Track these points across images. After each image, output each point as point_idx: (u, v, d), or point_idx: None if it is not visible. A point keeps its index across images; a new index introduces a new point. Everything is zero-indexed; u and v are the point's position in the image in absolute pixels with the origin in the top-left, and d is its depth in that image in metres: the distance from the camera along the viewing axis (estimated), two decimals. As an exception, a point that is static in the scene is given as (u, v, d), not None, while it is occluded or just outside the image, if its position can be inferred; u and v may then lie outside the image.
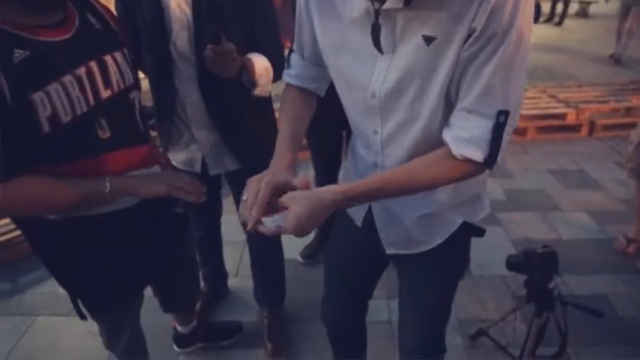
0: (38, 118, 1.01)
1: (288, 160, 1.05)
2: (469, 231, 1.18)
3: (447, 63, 0.86)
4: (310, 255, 2.63)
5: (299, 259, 2.61)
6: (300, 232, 0.92)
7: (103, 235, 1.22)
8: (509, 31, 0.80)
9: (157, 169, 1.30)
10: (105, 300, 1.34)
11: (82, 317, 1.37)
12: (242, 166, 1.68)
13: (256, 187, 0.94)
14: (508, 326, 2.08)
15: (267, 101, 1.69)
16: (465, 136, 0.88)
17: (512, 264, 1.74)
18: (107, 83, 1.14)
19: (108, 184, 1.10)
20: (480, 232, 1.20)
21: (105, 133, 1.14)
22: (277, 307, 2.17)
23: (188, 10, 1.43)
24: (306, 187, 0.94)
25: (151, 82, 1.59)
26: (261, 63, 1.47)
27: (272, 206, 0.93)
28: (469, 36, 0.82)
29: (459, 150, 0.89)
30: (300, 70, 1.17)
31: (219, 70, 1.35)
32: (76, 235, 1.19)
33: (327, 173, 2.45)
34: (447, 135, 0.91)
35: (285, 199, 0.92)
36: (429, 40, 0.86)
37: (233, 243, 2.63)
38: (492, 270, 2.50)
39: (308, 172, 3.27)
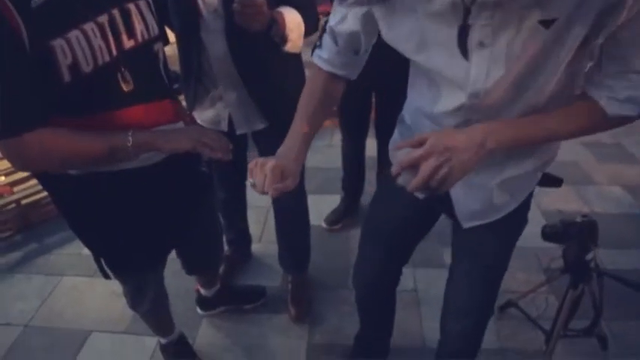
0: (59, 66, 0.97)
1: (301, 155, 1.03)
2: (547, 182, 1.13)
3: (575, 41, 0.78)
4: (335, 221, 2.58)
5: (323, 225, 2.56)
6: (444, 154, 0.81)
7: (126, 192, 1.18)
8: None
9: (181, 125, 1.25)
10: (128, 260, 1.31)
11: (106, 277, 1.35)
12: (269, 125, 1.62)
13: (262, 172, 0.93)
14: (539, 298, 2.02)
15: (296, 57, 1.61)
16: (621, 97, 0.84)
17: (548, 234, 1.66)
18: (130, 33, 1.09)
19: (130, 138, 1.05)
20: (558, 182, 1.14)
21: (128, 86, 1.09)
22: (302, 272, 2.14)
23: None
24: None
25: (177, 37, 1.53)
26: (292, 17, 1.40)
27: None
28: (605, 12, 0.73)
29: (614, 111, 0.86)
30: (332, 56, 1.08)
31: (247, 23, 1.28)
32: (99, 192, 1.16)
33: (355, 138, 2.39)
34: (598, 95, 0.87)
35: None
36: (547, 23, 0.76)
37: (257, 207, 2.60)
38: (522, 242, 2.39)
39: (332, 139, 3.21)
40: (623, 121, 0.89)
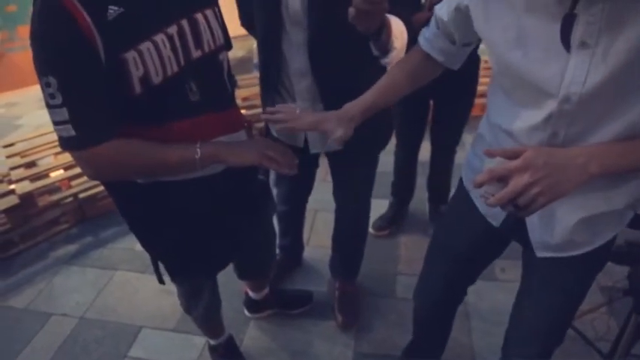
0: (131, 78, 0.98)
1: (352, 112, 1.09)
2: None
3: None
4: (383, 227, 2.55)
5: (371, 230, 2.51)
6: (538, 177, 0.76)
7: (188, 200, 1.20)
8: None
9: (242, 133, 1.26)
10: (187, 266, 1.33)
11: (161, 281, 1.37)
12: (343, 149, 1.58)
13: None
14: (597, 320, 1.93)
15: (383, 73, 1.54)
16: None
17: (612, 254, 1.58)
18: (198, 43, 1.09)
19: (199, 150, 1.06)
20: (635, 262, 1.08)
21: (194, 96, 1.09)
22: (351, 279, 2.13)
23: None
24: None
25: (259, 48, 1.52)
26: (397, 24, 1.26)
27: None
28: None
29: None
30: (432, 37, 1.10)
31: (362, 22, 1.11)
32: (162, 200, 1.18)
33: (409, 145, 2.36)
34: None
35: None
36: None
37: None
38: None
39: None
40: None
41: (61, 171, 2.87)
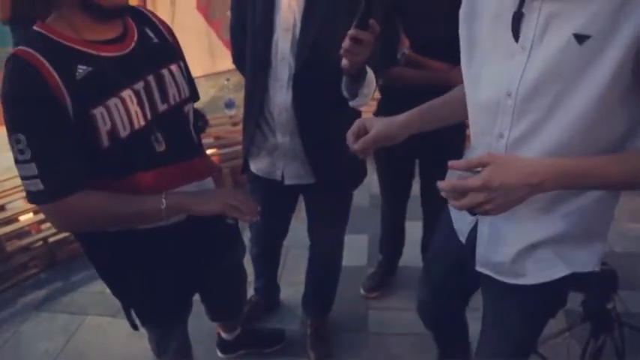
0: (99, 133, 1.03)
1: (410, 120, 1.17)
2: (574, 284, 1.10)
3: (607, 66, 0.81)
4: (374, 288, 2.43)
5: (361, 292, 2.43)
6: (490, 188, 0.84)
7: (155, 247, 1.23)
8: None
9: (210, 181, 1.31)
10: (158, 311, 1.35)
11: (135, 327, 1.38)
12: (316, 182, 1.63)
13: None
14: (561, 345, 1.99)
15: (355, 116, 1.60)
16: None
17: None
18: (164, 97, 1.16)
19: (164, 200, 1.10)
20: (588, 289, 1.20)
21: (160, 147, 1.15)
22: (323, 315, 2.15)
23: (298, 14, 1.43)
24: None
25: (246, 82, 1.61)
26: (370, 74, 1.39)
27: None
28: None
29: None
30: None
31: (352, 55, 1.19)
32: (129, 247, 1.21)
33: (395, 205, 2.31)
34: None
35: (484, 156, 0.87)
36: (581, 38, 0.81)
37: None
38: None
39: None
40: None
41: (31, 214, 2.84)
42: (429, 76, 1.74)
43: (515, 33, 0.90)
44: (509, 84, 0.92)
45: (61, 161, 1.02)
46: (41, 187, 1.00)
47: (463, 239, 1.20)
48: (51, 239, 2.77)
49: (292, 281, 2.32)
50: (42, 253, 2.76)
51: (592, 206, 0.99)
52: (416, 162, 2.16)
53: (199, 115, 1.45)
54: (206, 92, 5.28)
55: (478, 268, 1.15)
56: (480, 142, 1.06)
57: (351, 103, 1.43)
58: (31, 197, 1.03)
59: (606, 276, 1.58)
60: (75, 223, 1.09)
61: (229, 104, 3.88)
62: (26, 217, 2.82)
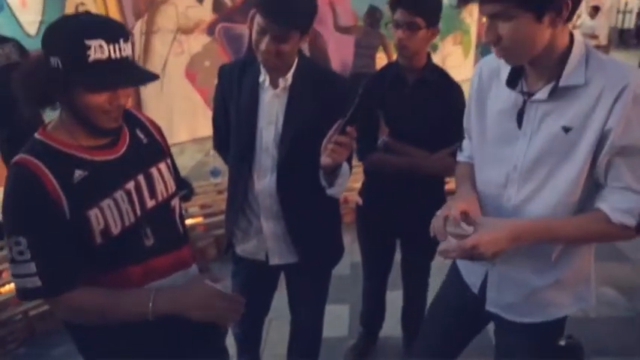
0: (92, 232, 1.11)
1: (475, 198, 1.33)
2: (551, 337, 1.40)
3: (582, 150, 1.13)
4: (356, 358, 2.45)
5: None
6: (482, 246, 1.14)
7: (136, 331, 1.25)
8: None
9: (195, 269, 1.37)
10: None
11: None
12: (300, 260, 1.71)
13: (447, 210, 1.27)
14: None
15: (336, 201, 1.72)
16: (622, 207, 1.13)
17: (558, 349, 1.70)
18: (152, 194, 1.24)
19: (151, 305, 1.13)
20: (559, 350, 1.40)
21: (149, 241, 1.22)
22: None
23: (280, 110, 1.54)
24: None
25: (229, 171, 1.70)
26: (345, 166, 1.50)
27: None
28: (603, 135, 1.09)
29: (617, 218, 1.13)
30: (471, 153, 1.46)
31: (335, 155, 1.33)
32: (116, 337, 1.23)
33: (376, 281, 2.35)
34: (603, 205, 1.16)
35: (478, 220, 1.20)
36: (567, 129, 1.14)
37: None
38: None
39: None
40: (626, 232, 1.15)
41: (13, 285, 2.83)
42: (408, 163, 1.87)
43: (519, 123, 1.21)
44: (516, 159, 1.23)
45: (59, 260, 1.09)
46: (39, 284, 1.06)
47: (475, 290, 1.44)
48: (32, 312, 2.74)
49: (276, 354, 2.32)
50: (21, 327, 2.73)
51: (577, 256, 1.29)
52: (396, 241, 2.23)
53: (185, 183, 1.54)
54: (192, 157, 5.40)
55: (488, 307, 1.40)
56: (491, 203, 1.33)
57: (328, 192, 1.54)
58: (27, 293, 1.09)
59: (572, 349, 1.64)
60: (63, 316, 1.15)
61: (215, 172, 3.99)
62: (7, 289, 2.80)
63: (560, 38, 1.11)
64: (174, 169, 1.38)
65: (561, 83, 1.12)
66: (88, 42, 1.01)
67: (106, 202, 1.14)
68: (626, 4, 20.08)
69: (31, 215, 1.05)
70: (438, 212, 1.29)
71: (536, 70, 1.17)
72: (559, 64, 1.12)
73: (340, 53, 7.61)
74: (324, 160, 1.36)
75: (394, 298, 2.44)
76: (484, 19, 1.12)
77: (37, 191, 1.05)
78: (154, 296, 1.15)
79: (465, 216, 1.22)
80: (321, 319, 2.02)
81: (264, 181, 1.60)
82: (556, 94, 1.13)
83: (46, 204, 1.06)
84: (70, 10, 5.17)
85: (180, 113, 4.45)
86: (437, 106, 1.85)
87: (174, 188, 1.33)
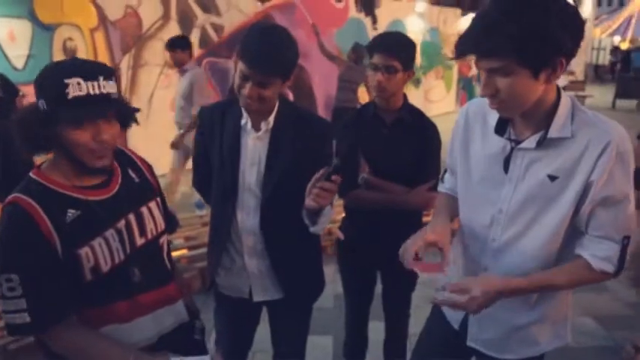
0: (83, 269, 1.14)
1: (447, 231, 1.39)
2: None
3: (567, 199, 1.20)
4: None
5: None
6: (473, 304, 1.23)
7: None
8: (627, 194, 1.18)
9: (180, 304, 1.40)
10: None
11: None
12: (284, 297, 1.73)
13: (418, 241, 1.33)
14: None
15: (317, 236, 1.75)
16: (601, 255, 1.21)
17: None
18: (142, 232, 1.28)
19: None
20: None
21: (137, 277, 1.25)
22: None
23: (263, 153, 1.57)
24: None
25: (212, 210, 1.73)
26: (327, 208, 1.53)
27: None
28: (587, 186, 1.17)
29: (597, 265, 1.21)
30: (452, 185, 1.53)
31: (320, 199, 1.40)
32: None
33: (358, 312, 2.35)
34: (584, 253, 1.23)
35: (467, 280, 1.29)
36: (553, 178, 1.21)
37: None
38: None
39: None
40: (605, 276, 1.23)
41: (-7, 321, 2.80)
42: (388, 199, 1.93)
43: (506, 169, 1.27)
44: (502, 203, 1.29)
45: (49, 297, 1.11)
46: (28, 320, 1.09)
47: (457, 325, 1.49)
48: (11, 346, 2.70)
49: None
50: (0, 362, 2.69)
51: (556, 296, 1.35)
52: (377, 273, 2.26)
53: (170, 216, 1.57)
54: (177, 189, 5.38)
55: (469, 343, 1.46)
56: (475, 244, 1.39)
57: (311, 229, 1.58)
58: (16, 329, 1.11)
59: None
60: (58, 351, 1.16)
61: (199, 205, 4.00)
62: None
63: (550, 92, 1.19)
64: (163, 206, 1.42)
65: (550, 134, 1.19)
66: (66, 80, 1.07)
67: (97, 241, 1.17)
68: (600, 41, 21.06)
69: (24, 253, 1.08)
70: (408, 241, 1.35)
71: (524, 120, 1.23)
72: (547, 116, 1.19)
73: (324, 87, 7.80)
74: (309, 202, 1.41)
75: (376, 329, 2.45)
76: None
77: (31, 230, 1.09)
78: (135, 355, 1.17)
79: (432, 246, 1.30)
80: (304, 351, 2.04)
81: (248, 220, 1.63)
82: (544, 144, 1.19)
83: (39, 243, 1.09)
84: (57, 44, 5.24)
85: (165, 145, 4.47)
86: (414, 145, 1.93)
87: (163, 227, 1.36)
